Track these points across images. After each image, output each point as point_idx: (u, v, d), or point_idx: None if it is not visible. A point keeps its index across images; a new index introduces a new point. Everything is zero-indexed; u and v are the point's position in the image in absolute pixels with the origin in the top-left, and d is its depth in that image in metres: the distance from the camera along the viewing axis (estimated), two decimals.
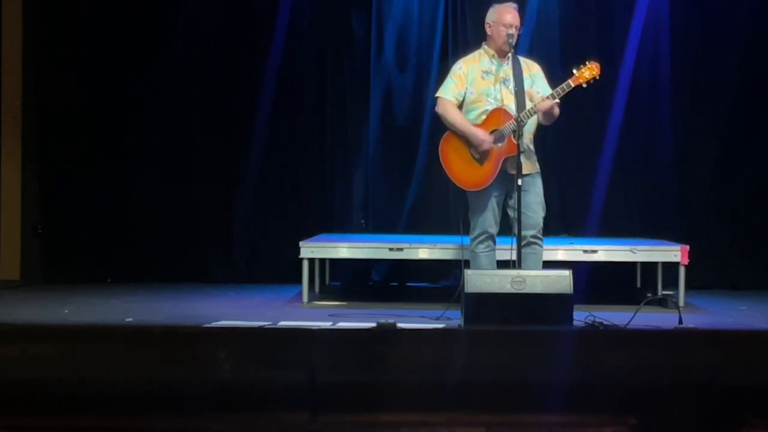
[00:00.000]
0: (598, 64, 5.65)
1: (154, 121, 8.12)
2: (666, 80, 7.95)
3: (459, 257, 6.30)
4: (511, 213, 5.81)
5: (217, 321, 5.79)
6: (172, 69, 8.09)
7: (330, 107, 8.26)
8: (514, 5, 5.89)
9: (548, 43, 7.83)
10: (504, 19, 5.81)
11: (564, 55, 7.62)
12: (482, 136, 5.76)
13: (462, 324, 5.19)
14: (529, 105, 5.71)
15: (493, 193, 5.83)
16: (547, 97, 5.65)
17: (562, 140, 7.78)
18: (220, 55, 8.16)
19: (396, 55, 8.12)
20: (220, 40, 8.14)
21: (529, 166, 5.81)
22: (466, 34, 7.88)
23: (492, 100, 5.84)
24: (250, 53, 8.14)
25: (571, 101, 5.83)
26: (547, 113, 5.67)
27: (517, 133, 5.60)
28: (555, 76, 5.96)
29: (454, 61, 6.26)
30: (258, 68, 8.06)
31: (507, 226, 5.97)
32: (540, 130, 5.99)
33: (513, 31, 5.79)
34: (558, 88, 5.67)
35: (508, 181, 5.77)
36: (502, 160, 5.75)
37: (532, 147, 5.88)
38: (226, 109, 8.19)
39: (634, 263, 7.57)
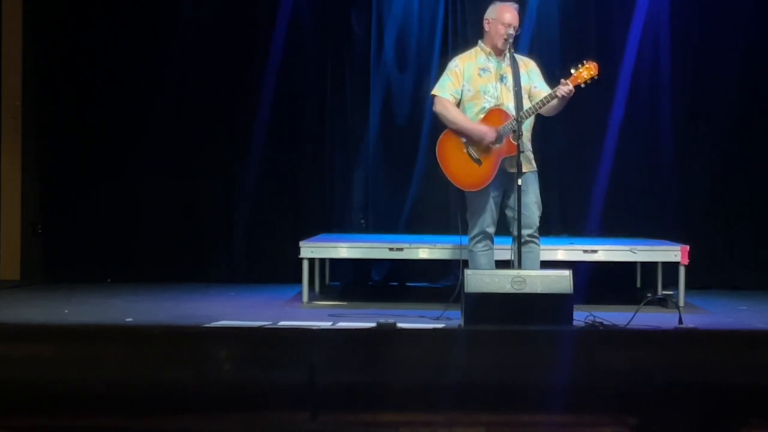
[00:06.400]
0: (596, 64, 5.64)
1: (154, 121, 8.12)
2: (666, 80, 7.95)
3: (458, 257, 6.30)
4: (509, 213, 5.81)
5: (217, 321, 5.79)
6: (173, 69, 8.09)
7: (330, 107, 8.26)
8: (515, 5, 5.88)
9: (548, 43, 7.83)
10: (503, 18, 5.80)
11: (564, 55, 7.62)
12: (485, 129, 5.74)
13: (462, 324, 5.18)
14: (527, 104, 5.71)
15: (492, 193, 5.82)
16: (545, 97, 5.63)
17: (562, 140, 7.78)
18: (220, 55, 8.16)
19: (396, 55, 8.12)
20: (221, 39, 8.14)
21: (527, 164, 5.80)
22: (466, 34, 7.88)
23: (490, 98, 5.82)
24: (250, 53, 8.14)
25: (570, 101, 5.82)
26: (567, 98, 5.61)
27: (517, 132, 5.59)
28: (555, 76, 5.95)
29: None
30: (258, 68, 8.06)
31: (503, 226, 5.97)
32: (536, 129, 5.98)
33: (511, 31, 5.77)
34: (554, 90, 5.65)
35: (506, 180, 5.76)
36: (499, 161, 5.75)
37: (529, 146, 5.87)
38: (226, 108, 8.19)
39: (634, 263, 7.57)
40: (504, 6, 5.85)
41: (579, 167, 7.95)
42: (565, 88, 5.57)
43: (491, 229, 5.88)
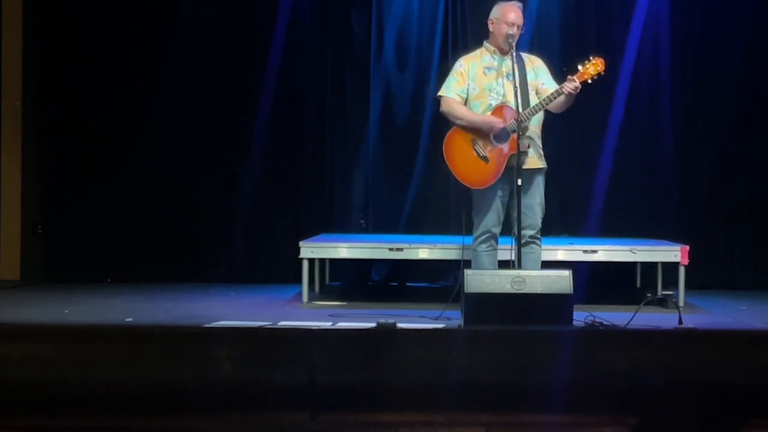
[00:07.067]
0: (602, 60, 5.63)
1: (154, 121, 8.12)
2: (666, 80, 7.95)
3: (459, 257, 6.29)
4: (514, 213, 5.79)
5: (217, 321, 5.79)
6: (173, 69, 8.09)
7: (330, 107, 8.26)
8: (518, 4, 5.88)
9: (548, 43, 7.82)
10: (507, 17, 5.80)
11: (564, 55, 7.61)
12: (493, 119, 5.73)
13: (462, 324, 5.18)
14: (533, 101, 5.70)
15: (498, 192, 5.81)
16: (552, 94, 5.62)
17: (562, 140, 7.76)
18: (220, 55, 8.16)
19: (396, 54, 8.12)
20: (221, 39, 8.14)
21: (535, 160, 5.78)
22: (466, 34, 7.89)
23: (495, 95, 5.82)
24: (250, 53, 8.14)
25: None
26: (574, 95, 5.61)
27: (518, 132, 5.59)
28: (555, 76, 5.94)
29: (454, 61, 6.25)
30: (258, 68, 8.06)
31: (506, 226, 5.96)
32: (545, 125, 5.96)
33: (515, 30, 5.77)
34: (562, 86, 5.64)
35: (513, 179, 5.74)
36: (506, 158, 5.74)
37: (539, 142, 5.85)
38: (226, 108, 8.19)
39: (634, 263, 7.57)
40: (508, 6, 5.84)
41: (579, 167, 7.95)
42: (572, 84, 5.56)
43: (496, 229, 5.87)
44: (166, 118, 8.11)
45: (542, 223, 5.92)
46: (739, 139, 7.99)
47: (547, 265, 6.06)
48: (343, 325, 5.46)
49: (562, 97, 5.62)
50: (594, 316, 5.55)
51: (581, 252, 6.88)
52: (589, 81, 5.62)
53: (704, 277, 7.61)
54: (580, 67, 5.62)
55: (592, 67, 5.61)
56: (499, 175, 5.75)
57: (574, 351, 2.78)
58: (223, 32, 8.15)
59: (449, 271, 7.73)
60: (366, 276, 8.14)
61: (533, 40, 7.62)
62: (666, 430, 2.70)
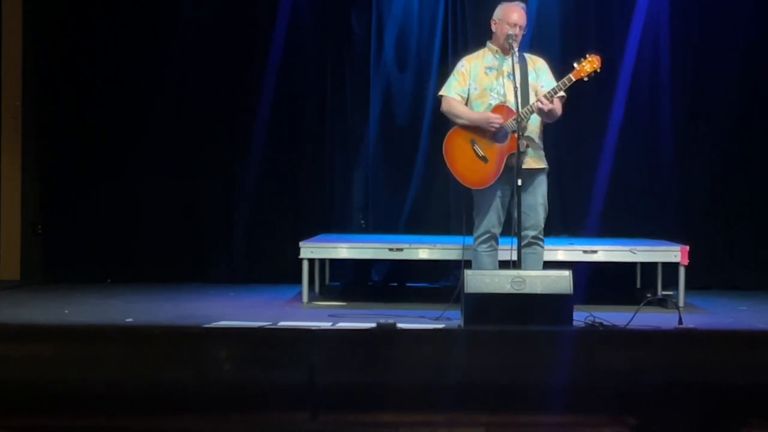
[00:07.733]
0: (598, 57, 5.63)
1: (154, 121, 8.12)
2: (666, 80, 7.96)
3: (460, 257, 6.29)
4: (515, 213, 5.79)
5: (217, 321, 5.79)
6: (173, 69, 8.10)
7: (330, 107, 8.27)
8: (521, 5, 5.88)
9: (548, 43, 7.82)
10: (509, 18, 5.81)
11: (564, 55, 7.60)
12: (491, 115, 5.73)
13: (462, 324, 5.18)
14: (533, 101, 5.70)
15: (498, 192, 5.81)
16: (548, 93, 5.63)
17: (562, 140, 7.77)
18: (220, 55, 8.16)
19: (396, 54, 8.12)
20: (221, 39, 8.15)
21: (536, 160, 5.79)
22: (466, 35, 7.89)
23: (496, 95, 5.82)
24: (250, 53, 8.15)
25: (571, 101, 5.82)
26: (546, 113, 5.65)
27: (518, 132, 5.59)
28: (555, 74, 5.94)
29: (454, 61, 6.25)
30: (258, 68, 8.07)
31: (507, 227, 5.96)
32: (546, 125, 5.95)
33: (516, 30, 5.78)
34: (559, 83, 5.64)
35: (513, 179, 5.73)
36: (506, 158, 5.73)
37: (539, 142, 5.85)
38: (226, 108, 8.20)
39: (634, 263, 7.57)
40: (510, 6, 5.85)
41: (579, 167, 7.96)
42: (539, 103, 5.57)
43: (497, 230, 5.87)
44: (166, 118, 8.11)
45: (544, 223, 5.92)
46: (739, 139, 7.99)
47: (547, 265, 6.06)
48: (343, 325, 5.46)
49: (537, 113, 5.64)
50: (594, 316, 5.55)
51: (581, 252, 6.88)
52: (585, 79, 5.62)
53: (704, 277, 7.62)
54: (576, 65, 5.63)
55: (588, 64, 5.62)
56: (499, 175, 5.75)
57: (574, 351, 2.78)
58: (223, 32, 8.15)
59: (449, 272, 7.74)
60: (366, 276, 8.15)
61: (533, 40, 7.60)
62: (666, 430, 2.70)
